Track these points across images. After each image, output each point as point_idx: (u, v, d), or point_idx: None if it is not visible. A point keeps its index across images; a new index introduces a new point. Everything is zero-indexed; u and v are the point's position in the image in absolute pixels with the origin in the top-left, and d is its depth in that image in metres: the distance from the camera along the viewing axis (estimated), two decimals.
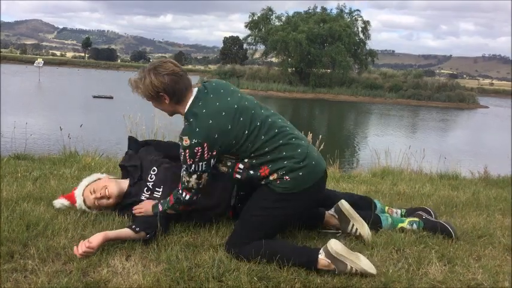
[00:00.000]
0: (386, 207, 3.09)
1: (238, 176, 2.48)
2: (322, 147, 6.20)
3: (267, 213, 2.41)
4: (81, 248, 2.27)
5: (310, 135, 6.25)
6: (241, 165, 2.44)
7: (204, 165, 2.37)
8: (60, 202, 2.89)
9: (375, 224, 2.84)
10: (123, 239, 2.44)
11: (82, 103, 26.66)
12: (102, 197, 2.77)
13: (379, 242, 2.64)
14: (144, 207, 2.71)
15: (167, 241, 2.47)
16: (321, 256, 2.29)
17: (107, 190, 2.78)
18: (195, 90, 2.46)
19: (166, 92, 2.38)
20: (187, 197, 2.47)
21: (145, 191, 2.79)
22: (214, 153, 2.36)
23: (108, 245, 2.39)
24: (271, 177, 2.39)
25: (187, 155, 2.35)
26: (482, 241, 2.82)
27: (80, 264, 2.18)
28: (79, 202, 2.82)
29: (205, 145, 2.33)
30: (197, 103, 2.41)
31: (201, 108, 2.39)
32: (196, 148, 2.32)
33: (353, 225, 2.67)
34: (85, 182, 2.90)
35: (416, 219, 2.90)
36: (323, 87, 45.28)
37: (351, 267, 2.24)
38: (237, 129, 2.37)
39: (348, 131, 23.40)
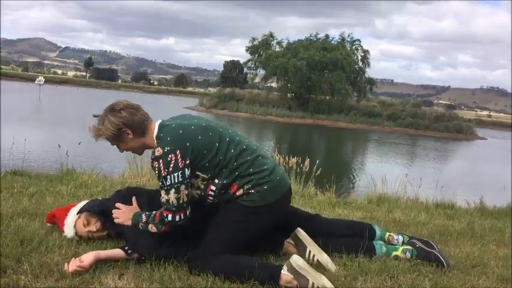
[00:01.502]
0: (387, 234, 3.08)
1: (211, 199, 2.51)
2: (319, 172, 6.21)
3: (237, 226, 2.45)
4: (72, 266, 2.27)
5: (307, 160, 6.28)
6: (213, 187, 2.47)
7: (179, 176, 2.35)
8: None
9: (368, 251, 2.83)
10: (115, 259, 2.44)
11: (82, 121, 26.69)
12: (97, 231, 2.73)
13: (373, 268, 2.63)
14: (124, 215, 2.60)
15: (160, 261, 2.46)
16: (284, 271, 2.32)
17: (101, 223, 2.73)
18: (158, 121, 2.52)
19: (127, 125, 2.43)
20: (170, 217, 2.42)
21: None
22: (188, 161, 2.37)
23: (101, 263, 2.39)
24: (237, 193, 2.45)
25: (161, 165, 2.34)
26: (476, 271, 2.81)
27: (72, 282, 2.17)
28: (69, 232, 2.72)
29: (177, 152, 2.34)
30: (165, 124, 2.48)
31: (171, 124, 2.47)
32: (170, 156, 2.33)
33: (310, 251, 2.67)
34: (74, 211, 2.78)
35: (410, 247, 2.90)
36: (322, 113, 45.42)
37: (313, 283, 2.25)
38: (207, 140, 2.43)
39: (346, 158, 23.39)
